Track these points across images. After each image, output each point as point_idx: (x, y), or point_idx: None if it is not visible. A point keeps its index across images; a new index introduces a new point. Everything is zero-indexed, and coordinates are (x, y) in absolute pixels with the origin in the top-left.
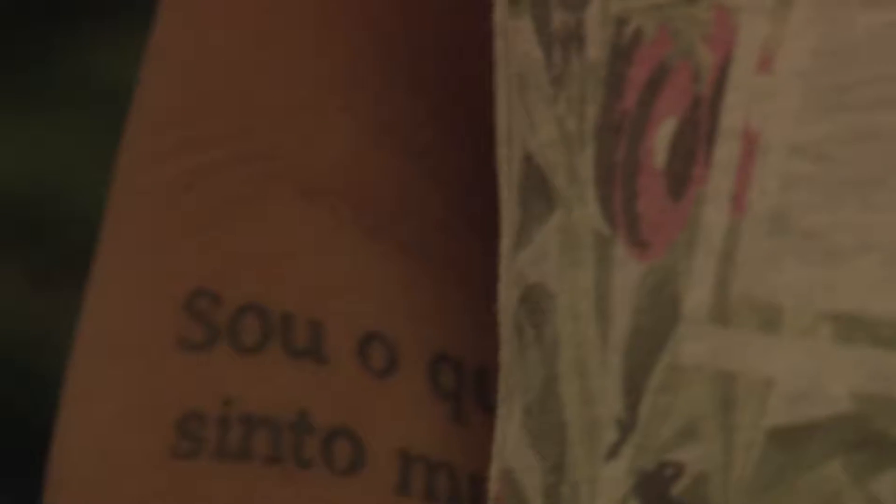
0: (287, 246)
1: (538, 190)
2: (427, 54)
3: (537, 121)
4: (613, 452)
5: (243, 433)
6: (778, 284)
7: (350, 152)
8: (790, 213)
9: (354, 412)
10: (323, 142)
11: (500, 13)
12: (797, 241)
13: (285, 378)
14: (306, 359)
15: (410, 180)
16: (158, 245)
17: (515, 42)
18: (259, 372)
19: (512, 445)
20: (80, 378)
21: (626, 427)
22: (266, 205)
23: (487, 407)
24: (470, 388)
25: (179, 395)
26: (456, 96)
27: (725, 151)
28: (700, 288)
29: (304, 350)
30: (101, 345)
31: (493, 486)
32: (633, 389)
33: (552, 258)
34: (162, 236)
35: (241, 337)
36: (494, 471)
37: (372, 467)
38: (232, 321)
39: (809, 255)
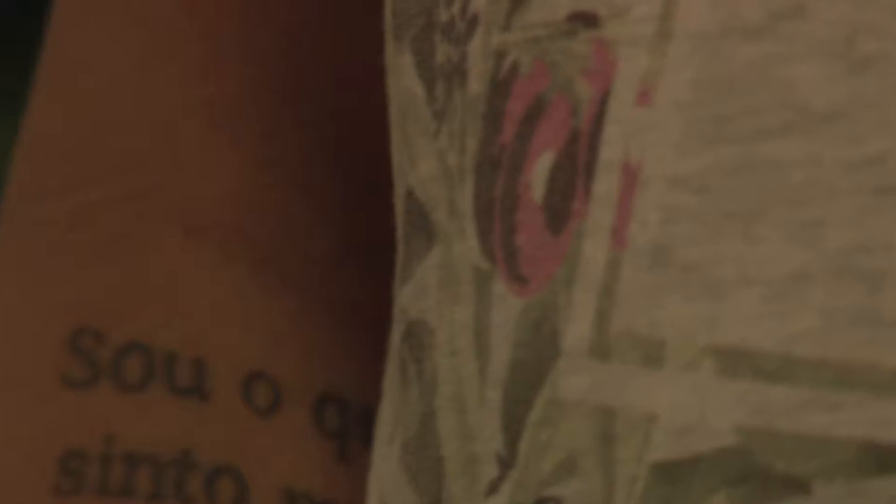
0: (172, 283)
1: (419, 225)
2: (317, 89)
3: (417, 155)
4: (493, 488)
5: (125, 471)
6: (659, 319)
7: (236, 187)
8: (671, 246)
9: (238, 450)
10: (209, 178)
11: (388, 49)
12: (678, 275)
13: (168, 416)
14: (190, 396)
15: (298, 216)
16: (43, 281)
17: (399, 78)
18: (142, 409)
19: (391, 482)
20: None
21: (506, 463)
22: (151, 242)
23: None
24: (356, 427)
25: (61, 433)
26: (348, 131)
27: (605, 185)
28: (580, 322)
29: (188, 388)
30: None
31: None
32: (513, 424)
33: (432, 293)
34: (47, 273)
35: (124, 375)
36: None
37: None
38: (115, 359)
39: (691, 288)
